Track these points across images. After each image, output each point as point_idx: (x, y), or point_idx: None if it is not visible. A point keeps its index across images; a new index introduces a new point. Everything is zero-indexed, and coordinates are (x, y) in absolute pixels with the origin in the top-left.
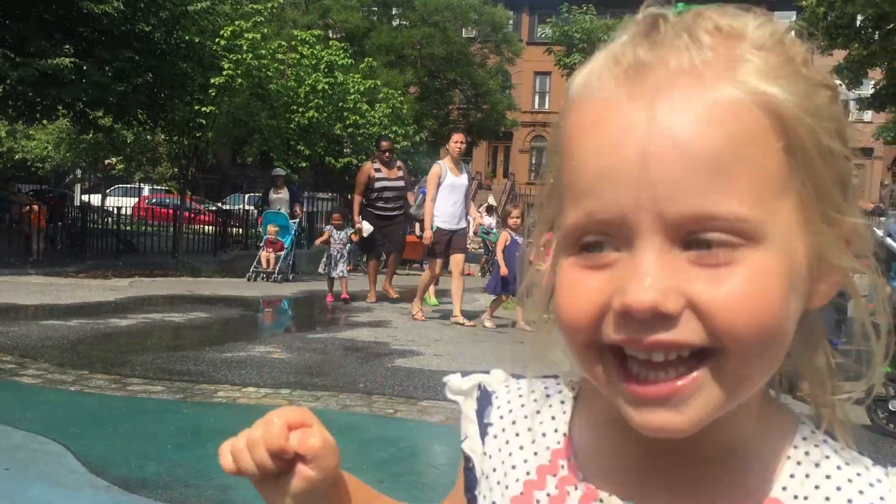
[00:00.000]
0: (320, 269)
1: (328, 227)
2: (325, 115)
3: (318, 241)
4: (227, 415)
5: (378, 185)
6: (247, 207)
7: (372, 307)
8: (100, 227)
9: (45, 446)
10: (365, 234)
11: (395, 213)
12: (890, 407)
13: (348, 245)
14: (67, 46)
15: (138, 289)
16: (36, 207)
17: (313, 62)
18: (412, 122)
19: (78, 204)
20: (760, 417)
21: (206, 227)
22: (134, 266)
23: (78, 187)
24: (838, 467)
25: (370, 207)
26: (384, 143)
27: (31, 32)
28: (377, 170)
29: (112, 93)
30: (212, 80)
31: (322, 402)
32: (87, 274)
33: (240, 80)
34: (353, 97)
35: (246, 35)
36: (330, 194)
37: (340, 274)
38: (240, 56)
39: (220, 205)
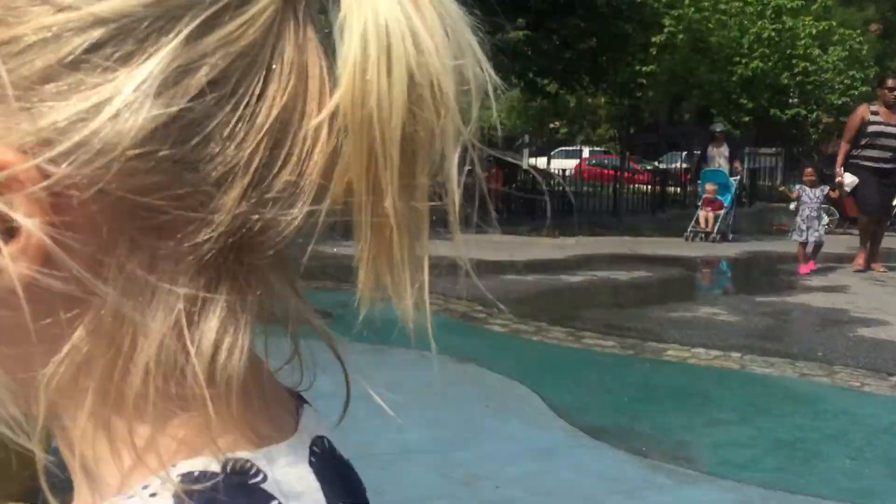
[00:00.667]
0: (794, 237)
1: (798, 185)
2: (770, 64)
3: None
4: (678, 374)
5: (872, 129)
6: (684, 166)
7: (827, 270)
8: (547, 188)
9: (515, 389)
10: (847, 189)
11: (893, 165)
12: None
13: (824, 205)
14: (521, 20)
15: (583, 247)
16: (495, 171)
17: (759, 9)
18: (873, 65)
19: (526, 167)
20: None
21: (644, 186)
22: (578, 225)
23: (526, 152)
24: None
25: (858, 158)
26: (890, 81)
27: (487, 10)
28: (874, 112)
29: (559, 60)
30: (652, 39)
31: (777, 369)
32: (537, 233)
33: (681, 36)
34: (803, 42)
35: None
36: (774, 149)
37: (816, 239)
38: (681, 11)
39: (656, 164)
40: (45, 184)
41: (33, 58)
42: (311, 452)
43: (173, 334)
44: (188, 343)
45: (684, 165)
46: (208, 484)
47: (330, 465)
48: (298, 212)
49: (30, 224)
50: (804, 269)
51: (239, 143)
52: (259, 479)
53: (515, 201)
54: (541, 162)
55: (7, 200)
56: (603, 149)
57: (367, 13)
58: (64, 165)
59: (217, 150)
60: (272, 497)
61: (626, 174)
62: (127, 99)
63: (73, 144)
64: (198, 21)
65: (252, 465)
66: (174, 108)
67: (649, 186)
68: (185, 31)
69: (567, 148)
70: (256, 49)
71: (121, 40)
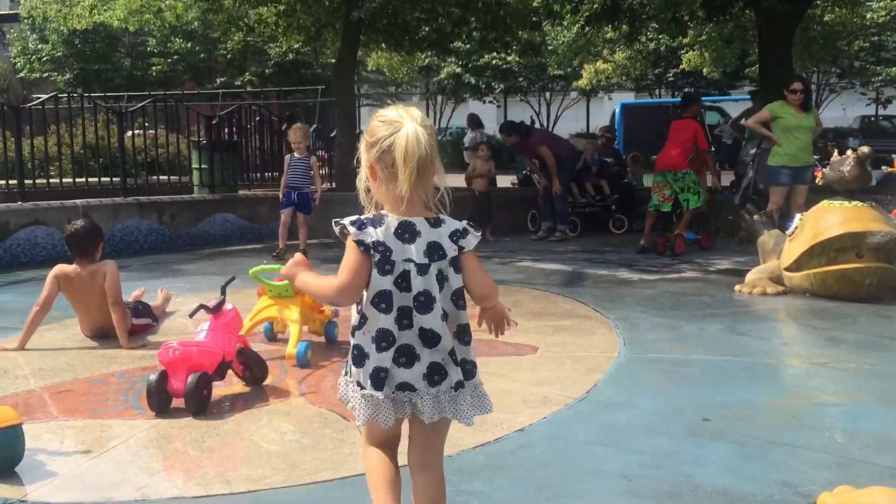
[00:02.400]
0: None
1: None
2: None
3: None
4: None
5: None
6: None
7: None
8: None
9: None
10: None
11: None
12: None
13: None
14: None
15: None
16: None
17: None
18: None
19: None
20: None
21: None
22: None
23: None
24: None
25: None
26: None
27: None
28: None
29: None
30: None
31: None
32: None
33: None
34: None
35: None
36: None
37: None
38: None
39: None
40: (368, 165)
41: (370, 142)
42: (400, 220)
43: (382, 188)
44: (381, 190)
45: None
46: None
47: (404, 223)
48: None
49: (366, 173)
50: None
51: (385, 161)
52: (385, 215)
53: None
54: None
55: (368, 169)
56: None
57: (405, 135)
58: (370, 163)
59: (383, 161)
60: (385, 218)
61: None
62: (372, 154)
63: (369, 161)
64: (380, 142)
65: (380, 214)
66: (376, 155)
67: None
68: (378, 144)
69: None
70: (389, 145)
71: (371, 144)
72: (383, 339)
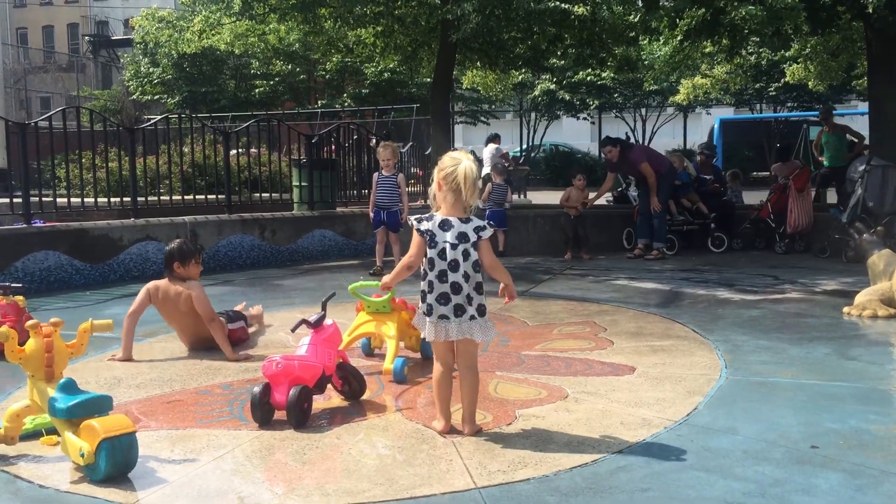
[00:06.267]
0: None
1: None
2: None
3: None
4: None
5: None
6: None
7: None
8: None
9: None
10: None
11: None
12: None
13: None
14: None
15: None
16: None
17: None
18: None
19: None
20: None
21: None
22: None
23: None
24: None
25: None
26: None
27: None
28: None
29: None
30: None
31: None
32: None
33: None
34: None
35: None
36: None
37: None
38: None
39: None
40: (438, 181)
41: (441, 168)
42: (442, 219)
43: (449, 196)
44: (441, 197)
45: None
46: (431, 214)
47: (443, 220)
48: (455, 193)
49: (436, 186)
50: None
51: (448, 179)
52: (433, 215)
53: None
54: None
55: (437, 185)
56: None
57: (463, 165)
58: (439, 181)
59: (447, 180)
60: (434, 216)
61: None
62: (441, 175)
63: (438, 179)
64: (446, 168)
65: (432, 214)
66: (443, 175)
67: None
68: (445, 170)
69: None
70: (452, 170)
71: (441, 170)
72: (431, 287)
